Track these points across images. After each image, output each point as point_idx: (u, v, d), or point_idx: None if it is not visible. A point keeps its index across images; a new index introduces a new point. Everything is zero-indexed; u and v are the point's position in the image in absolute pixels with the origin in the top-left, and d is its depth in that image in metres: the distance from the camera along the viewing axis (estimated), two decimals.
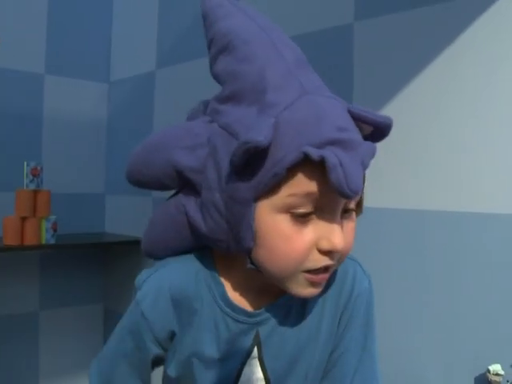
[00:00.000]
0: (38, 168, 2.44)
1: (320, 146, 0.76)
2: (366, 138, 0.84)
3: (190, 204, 0.90)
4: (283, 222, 0.80)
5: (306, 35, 2.00)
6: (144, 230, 1.01)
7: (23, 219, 2.39)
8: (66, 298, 2.88)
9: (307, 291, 0.84)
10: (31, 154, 2.70)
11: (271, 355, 0.94)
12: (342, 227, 0.82)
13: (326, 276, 0.84)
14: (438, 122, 1.65)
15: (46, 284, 2.81)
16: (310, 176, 0.77)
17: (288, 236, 0.80)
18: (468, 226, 1.59)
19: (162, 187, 0.96)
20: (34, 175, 2.42)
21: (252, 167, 0.79)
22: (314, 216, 0.80)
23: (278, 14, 2.12)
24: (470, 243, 1.58)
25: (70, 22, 2.89)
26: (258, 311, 0.93)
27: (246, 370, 0.94)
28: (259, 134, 0.74)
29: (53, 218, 2.48)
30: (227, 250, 0.88)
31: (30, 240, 2.39)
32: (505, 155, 1.52)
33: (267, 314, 0.93)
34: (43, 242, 2.45)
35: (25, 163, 2.42)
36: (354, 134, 0.79)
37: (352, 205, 0.83)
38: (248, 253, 0.85)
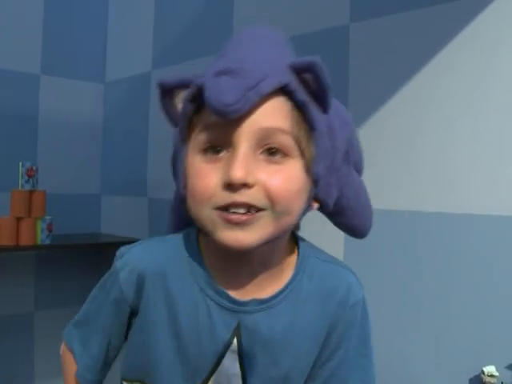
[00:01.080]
0: (34, 168, 2.44)
1: (212, 76, 0.79)
2: (314, 93, 0.83)
3: None
4: (196, 161, 0.83)
5: (302, 36, 2.01)
6: None
7: (18, 220, 2.39)
8: (61, 298, 2.87)
9: (231, 235, 0.80)
10: (27, 155, 2.69)
11: (251, 352, 0.91)
12: (262, 170, 0.80)
13: (243, 217, 0.80)
14: (433, 123, 1.66)
15: (41, 284, 2.80)
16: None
17: (199, 173, 0.82)
18: (462, 228, 1.59)
19: None
20: (29, 176, 2.42)
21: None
22: (226, 153, 0.81)
23: (275, 16, 2.12)
24: (464, 244, 1.59)
25: (65, 22, 2.89)
26: (242, 300, 0.90)
27: (224, 362, 0.91)
28: (165, 78, 0.86)
29: (48, 218, 2.48)
30: (184, 214, 0.90)
31: (25, 240, 2.39)
32: (498, 158, 1.53)
33: (252, 308, 0.90)
34: (38, 242, 2.45)
35: (20, 163, 2.42)
36: (256, 66, 0.79)
37: (272, 144, 0.80)
38: (185, 205, 0.87)
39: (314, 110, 0.82)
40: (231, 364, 0.91)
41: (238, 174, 0.77)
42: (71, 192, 2.92)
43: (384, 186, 1.76)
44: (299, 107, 0.82)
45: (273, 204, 0.80)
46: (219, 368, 0.91)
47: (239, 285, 0.91)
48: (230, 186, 0.78)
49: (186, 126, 0.85)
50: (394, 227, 1.73)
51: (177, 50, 2.60)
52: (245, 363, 0.91)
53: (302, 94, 0.81)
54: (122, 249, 0.97)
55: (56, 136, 2.86)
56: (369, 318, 0.98)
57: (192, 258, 0.92)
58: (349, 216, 0.97)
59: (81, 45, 2.96)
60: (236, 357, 0.91)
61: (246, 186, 0.78)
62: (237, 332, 0.90)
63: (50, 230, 2.49)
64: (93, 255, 3.01)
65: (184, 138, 0.86)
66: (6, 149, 2.66)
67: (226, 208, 0.80)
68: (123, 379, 1.00)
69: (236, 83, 0.76)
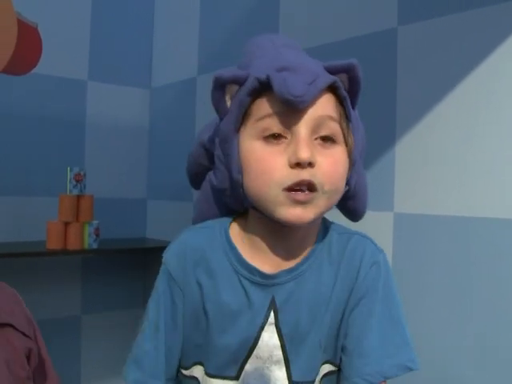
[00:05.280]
0: (81, 173, 2.47)
1: (274, 72, 0.91)
2: (348, 91, 0.97)
3: (211, 172, 1.07)
4: (258, 147, 0.93)
5: (350, 40, 1.99)
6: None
7: (66, 224, 2.42)
8: (107, 302, 2.90)
9: (292, 211, 0.92)
10: (74, 160, 2.73)
11: (287, 323, 0.99)
12: (318, 153, 0.92)
13: (306, 196, 0.91)
14: (484, 128, 1.62)
15: (88, 288, 2.83)
16: (271, 99, 0.92)
17: (262, 158, 0.93)
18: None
19: (201, 168, 1.13)
20: (77, 180, 2.45)
21: (230, 107, 0.97)
22: (285, 139, 0.92)
23: (322, 20, 2.11)
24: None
25: (112, 29, 2.92)
26: (273, 273, 0.99)
27: (263, 335, 0.99)
28: (222, 73, 0.96)
29: (95, 222, 2.51)
30: (233, 199, 1.01)
31: (72, 244, 2.42)
32: None
33: (283, 278, 0.99)
34: (86, 246, 2.48)
35: (68, 168, 2.46)
36: (306, 65, 0.93)
37: (325, 131, 0.93)
38: (241, 189, 0.97)
39: (350, 105, 0.97)
40: (270, 336, 0.99)
41: (306, 154, 0.89)
42: (118, 196, 2.95)
43: (435, 190, 1.73)
44: (341, 102, 0.96)
45: (324, 185, 0.92)
46: (259, 342, 0.99)
47: (270, 261, 1.00)
48: (298, 165, 0.90)
49: (240, 117, 0.95)
50: (445, 232, 1.70)
51: (222, 55, 2.60)
52: (283, 335, 0.99)
53: (344, 91, 0.95)
54: (168, 246, 1.08)
55: (103, 141, 2.89)
56: (392, 280, 1.04)
57: (225, 243, 1.02)
58: (357, 201, 1.07)
59: (127, 51, 3.00)
60: (274, 328, 0.99)
61: (310, 165, 0.90)
62: (273, 305, 0.99)
63: (97, 235, 2.51)
64: (139, 260, 3.04)
65: (237, 127, 0.96)
66: (54, 154, 2.70)
67: (291, 188, 0.91)
68: (182, 368, 1.06)
69: (299, 78, 0.89)
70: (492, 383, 1.58)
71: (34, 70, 2.02)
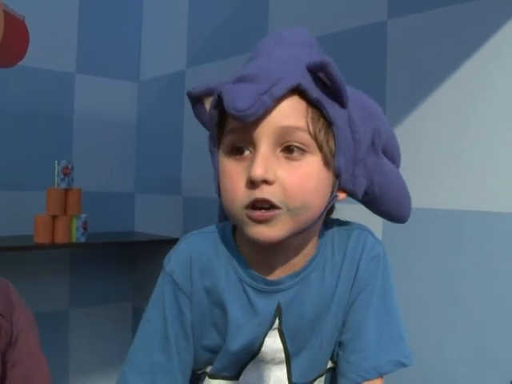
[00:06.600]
0: (69, 167, 2.46)
1: (230, 84, 0.87)
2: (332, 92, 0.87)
3: None
4: (227, 163, 0.89)
5: (339, 33, 1.99)
6: None
7: (54, 218, 2.41)
8: (95, 296, 2.89)
9: (256, 231, 0.87)
10: (62, 153, 2.71)
11: (290, 326, 0.98)
12: (281, 167, 0.85)
13: (264, 214, 0.85)
14: (473, 121, 1.62)
15: (76, 282, 2.82)
16: None
17: (228, 175, 0.89)
18: (503, 227, 1.56)
19: None
20: (64, 174, 2.44)
21: None
22: (250, 154, 0.87)
23: (311, 13, 2.11)
24: (506, 243, 1.55)
25: (100, 21, 2.91)
26: (276, 279, 0.96)
27: (267, 340, 0.98)
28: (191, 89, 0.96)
29: (83, 216, 2.49)
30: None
31: (60, 238, 2.41)
32: None
33: (288, 284, 0.97)
34: (74, 240, 2.47)
35: (56, 162, 2.44)
36: (272, 70, 0.85)
37: (290, 142, 0.86)
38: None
39: (330, 106, 0.87)
40: (273, 340, 0.98)
41: (258, 171, 0.83)
42: (106, 190, 2.94)
43: (426, 184, 1.73)
44: (315, 105, 0.86)
45: (287, 201, 0.85)
46: (263, 348, 0.98)
47: (274, 269, 0.97)
48: (252, 184, 0.85)
49: (215, 131, 0.93)
50: (437, 225, 1.71)
51: (211, 48, 2.59)
52: (286, 338, 0.98)
53: (316, 92, 0.86)
54: (168, 254, 1.03)
55: (91, 134, 2.87)
56: (390, 274, 1.02)
57: (229, 249, 0.99)
58: (383, 202, 1.01)
59: (115, 44, 2.98)
60: (277, 333, 0.98)
61: (266, 182, 0.84)
62: (278, 312, 0.97)
63: (85, 228, 2.50)
64: (127, 253, 3.03)
65: (215, 142, 0.94)
66: (41, 147, 2.69)
67: (252, 205, 0.86)
68: (195, 370, 1.04)
69: (250, 89, 0.83)
70: (484, 381, 1.58)
71: (21, 63, 2.00)
